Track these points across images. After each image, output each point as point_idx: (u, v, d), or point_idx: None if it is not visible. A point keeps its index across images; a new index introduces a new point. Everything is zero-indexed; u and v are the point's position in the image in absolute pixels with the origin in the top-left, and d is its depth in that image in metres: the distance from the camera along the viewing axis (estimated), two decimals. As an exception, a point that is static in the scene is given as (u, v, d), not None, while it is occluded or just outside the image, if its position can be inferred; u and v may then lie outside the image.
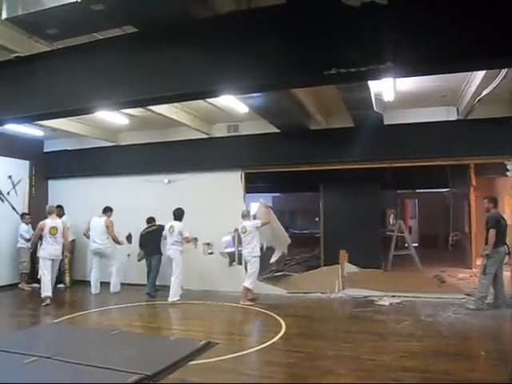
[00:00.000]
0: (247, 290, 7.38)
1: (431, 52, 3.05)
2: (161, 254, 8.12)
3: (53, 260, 7.72)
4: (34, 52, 4.45)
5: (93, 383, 3.69)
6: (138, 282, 8.62)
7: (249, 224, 7.57)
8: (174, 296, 7.48)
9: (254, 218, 8.12)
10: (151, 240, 8.21)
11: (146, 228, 8.40)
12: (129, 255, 8.82)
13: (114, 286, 8.34)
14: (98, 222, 8.40)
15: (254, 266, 7.39)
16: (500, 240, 6.36)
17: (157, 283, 8.13)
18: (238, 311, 6.99)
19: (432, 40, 3.01)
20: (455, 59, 3.08)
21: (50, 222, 7.75)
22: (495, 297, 6.50)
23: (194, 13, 3.63)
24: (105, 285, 8.39)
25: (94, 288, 8.33)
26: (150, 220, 8.46)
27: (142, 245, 8.35)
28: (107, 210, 8.51)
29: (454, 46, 2.99)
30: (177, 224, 7.70)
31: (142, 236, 8.38)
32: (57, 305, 7.57)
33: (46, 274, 7.53)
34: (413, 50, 3.05)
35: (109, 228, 8.31)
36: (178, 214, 7.81)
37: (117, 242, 8.38)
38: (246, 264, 7.68)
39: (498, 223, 6.40)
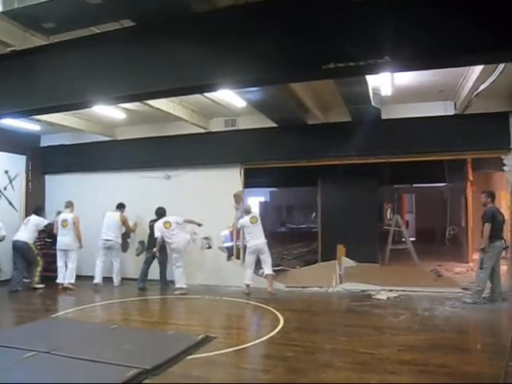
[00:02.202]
0: (272, 277, 7.54)
1: (429, 46, 3.05)
2: (165, 248, 8.05)
3: (64, 250, 8.21)
4: (30, 46, 4.42)
5: (91, 378, 3.71)
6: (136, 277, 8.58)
7: (257, 214, 7.90)
8: (180, 283, 7.66)
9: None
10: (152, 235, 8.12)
11: (154, 220, 8.18)
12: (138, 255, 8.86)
13: (117, 280, 8.55)
14: (113, 217, 8.55)
15: (269, 254, 7.62)
16: (496, 234, 6.38)
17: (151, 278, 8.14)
18: (237, 305, 7.00)
19: (430, 34, 3.01)
20: (453, 54, 3.09)
21: (62, 215, 8.39)
22: (492, 291, 6.53)
23: (191, 7, 3.62)
24: (106, 279, 8.38)
25: (98, 278, 8.30)
26: (161, 212, 8.12)
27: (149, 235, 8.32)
28: (121, 206, 8.71)
29: (451, 41, 3.00)
30: (171, 217, 7.74)
31: (150, 227, 8.30)
32: (54, 300, 7.60)
33: (58, 263, 8.22)
34: (411, 45, 3.06)
35: (125, 223, 8.60)
36: (162, 213, 7.96)
37: (132, 231, 8.79)
38: (254, 256, 7.59)
39: (493, 218, 6.42)
